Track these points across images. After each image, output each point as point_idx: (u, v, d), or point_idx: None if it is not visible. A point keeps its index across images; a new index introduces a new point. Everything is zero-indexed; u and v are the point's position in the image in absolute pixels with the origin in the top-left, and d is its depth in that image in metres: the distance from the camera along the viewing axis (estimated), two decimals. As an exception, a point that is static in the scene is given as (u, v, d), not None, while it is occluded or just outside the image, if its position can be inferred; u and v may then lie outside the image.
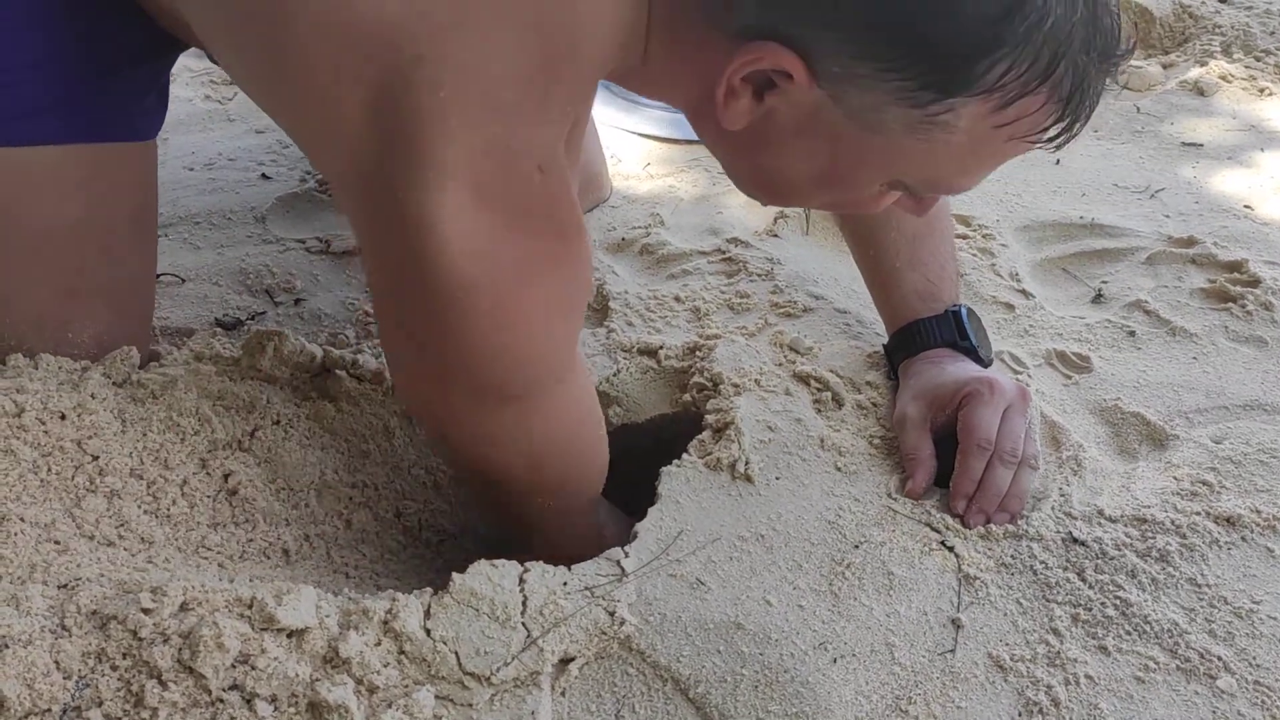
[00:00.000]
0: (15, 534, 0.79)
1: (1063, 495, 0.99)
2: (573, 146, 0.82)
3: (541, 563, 0.85)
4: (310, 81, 0.74)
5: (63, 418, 0.88)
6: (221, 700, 0.71)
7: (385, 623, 0.78)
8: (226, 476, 0.94)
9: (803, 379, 1.12)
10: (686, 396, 1.13)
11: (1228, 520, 0.96)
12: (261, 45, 0.77)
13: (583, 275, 0.86)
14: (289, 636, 0.75)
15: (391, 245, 0.78)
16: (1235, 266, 1.36)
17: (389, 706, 0.74)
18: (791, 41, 0.74)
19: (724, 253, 1.38)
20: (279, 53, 0.75)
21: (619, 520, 1.06)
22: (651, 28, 0.78)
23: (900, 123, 0.76)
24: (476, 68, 0.71)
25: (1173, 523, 0.95)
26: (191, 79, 1.93)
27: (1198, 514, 0.96)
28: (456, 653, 0.78)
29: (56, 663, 0.70)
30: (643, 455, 1.10)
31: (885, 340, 1.17)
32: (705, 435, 1.05)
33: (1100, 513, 0.97)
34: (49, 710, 0.69)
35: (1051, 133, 0.78)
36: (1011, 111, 0.75)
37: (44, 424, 0.86)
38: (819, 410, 1.09)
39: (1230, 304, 1.29)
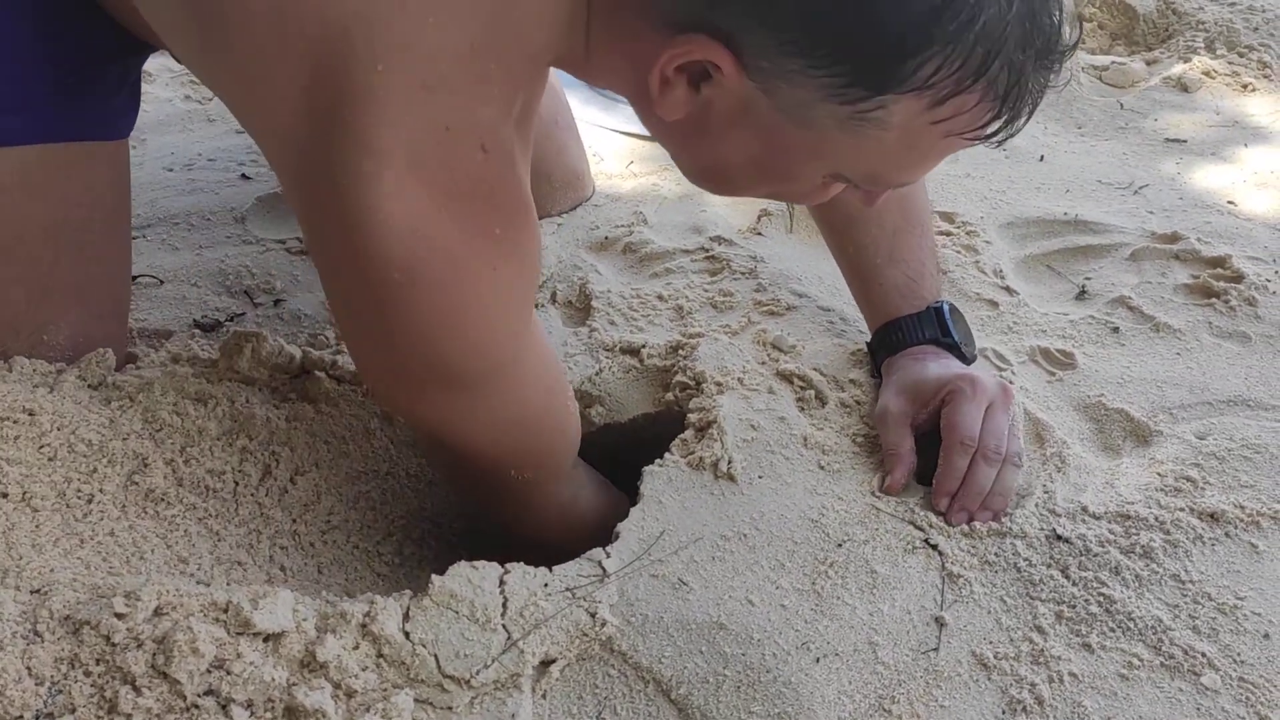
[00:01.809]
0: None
1: (1046, 492, 0.99)
2: (524, 132, 0.80)
3: (522, 564, 0.85)
4: (249, 54, 0.71)
5: (33, 417, 0.87)
6: (197, 706, 0.70)
7: (363, 626, 0.77)
8: (203, 479, 0.93)
9: (786, 377, 1.12)
10: (669, 395, 1.12)
11: (1211, 516, 0.96)
12: (205, 14, 0.74)
13: (530, 259, 0.84)
14: (265, 640, 0.74)
15: (330, 228, 0.76)
16: (1218, 262, 1.36)
17: (367, 710, 0.73)
18: (720, 35, 0.73)
19: (707, 251, 1.37)
20: (222, 21, 0.72)
21: (599, 487, 1.06)
22: (592, 15, 0.78)
23: (831, 118, 0.75)
24: (414, 45, 0.69)
25: (1156, 519, 0.95)
26: (171, 79, 1.91)
27: (1181, 510, 0.96)
28: (436, 655, 0.77)
29: (28, 669, 0.69)
30: (625, 455, 1.09)
31: (868, 338, 1.16)
32: (688, 434, 1.04)
33: (1084, 509, 0.97)
34: (20, 718, 0.68)
35: (991, 129, 0.77)
36: (946, 109, 0.74)
37: (16, 426, 0.86)
38: (802, 408, 1.08)
39: (1213, 299, 1.29)
